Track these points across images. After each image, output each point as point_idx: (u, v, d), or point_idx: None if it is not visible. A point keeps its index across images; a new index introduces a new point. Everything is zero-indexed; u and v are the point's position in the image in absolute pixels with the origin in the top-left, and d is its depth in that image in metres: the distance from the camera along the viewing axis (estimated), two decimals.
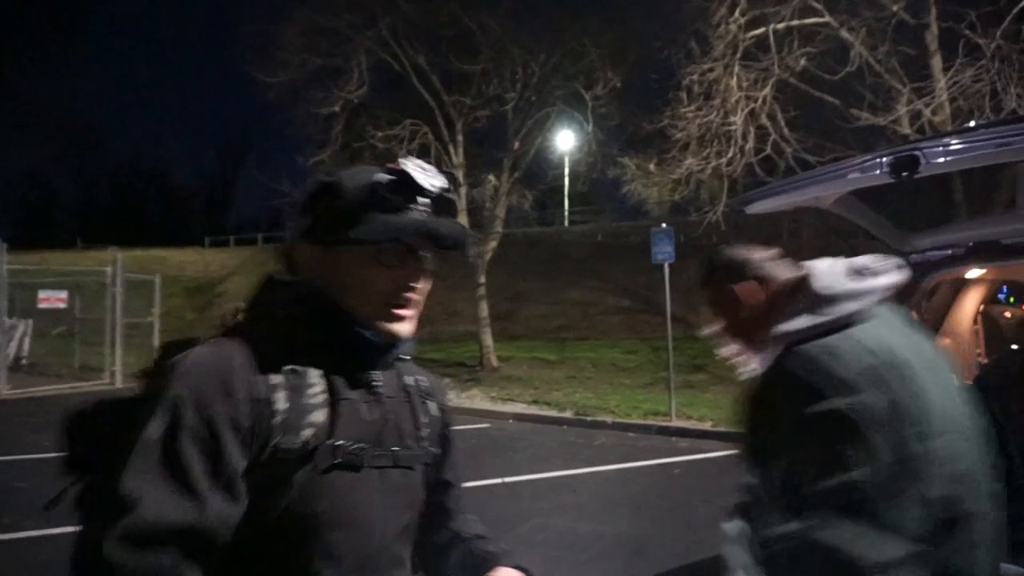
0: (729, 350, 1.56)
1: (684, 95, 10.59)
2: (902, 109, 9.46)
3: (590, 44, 14.01)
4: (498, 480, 6.35)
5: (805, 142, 10.66)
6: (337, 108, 14.12)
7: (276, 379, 0.94)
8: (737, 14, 10.08)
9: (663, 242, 9.29)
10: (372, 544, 1.00)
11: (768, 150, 10.30)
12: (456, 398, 11.85)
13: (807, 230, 16.30)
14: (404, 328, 1.06)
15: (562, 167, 19.75)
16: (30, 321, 14.03)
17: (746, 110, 10.07)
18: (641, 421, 9.43)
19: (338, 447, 0.96)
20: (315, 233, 1.03)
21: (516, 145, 15.28)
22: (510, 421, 10.16)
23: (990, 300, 4.00)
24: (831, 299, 1.37)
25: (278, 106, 14.97)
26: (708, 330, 1.58)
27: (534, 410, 10.60)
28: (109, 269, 13.27)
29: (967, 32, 8.96)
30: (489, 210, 15.81)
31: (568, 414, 10.17)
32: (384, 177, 1.00)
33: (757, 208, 3.35)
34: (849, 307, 1.36)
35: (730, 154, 10.07)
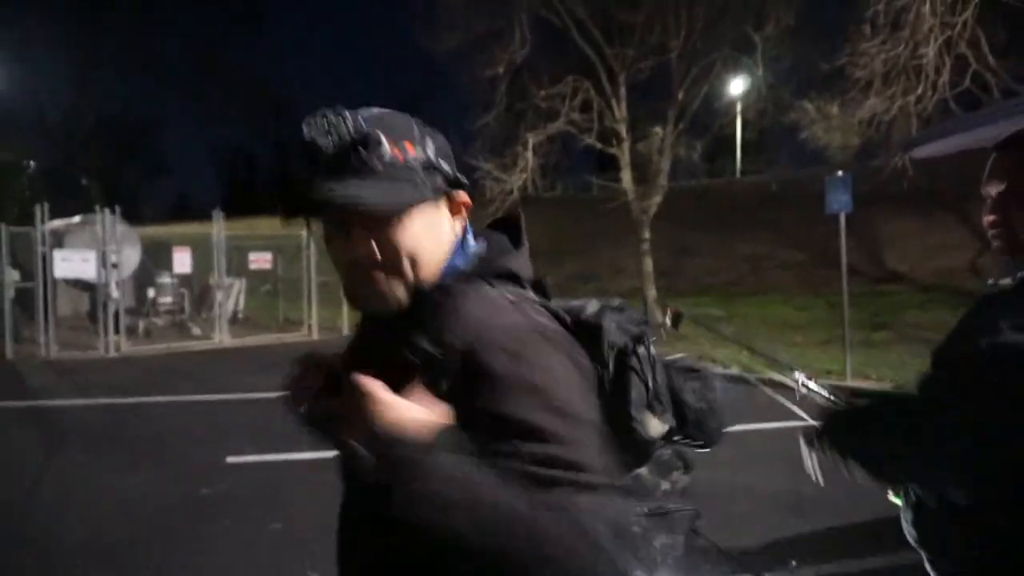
0: (991, 223, 1.38)
1: (867, 28, 9.67)
2: None
3: None
4: None
5: (1019, 70, 9.37)
6: (500, 70, 14.44)
7: None
8: None
9: (838, 190, 8.67)
10: None
11: (966, 83, 9.17)
12: None
13: None
14: (369, 308, 0.98)
15: (732, 115, 18.82)
16: (243, 280, 15.97)
17: (941, 39, 9.00)
18: None
19: None
20: None
21: (681, 95, 14.77)
22: None
23: None
24: None
25: (446, 71, 15.60)
26: (989, 188, 1.39)
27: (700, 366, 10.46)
28: (304, 232, 14.69)
29: None
30: (655, 163, 15.51)
31: (734, 371, 9.94)
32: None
33: (924, 152, 3.11)
34: None
35: (919, 91, 9.09)
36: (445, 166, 0.99)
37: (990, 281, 1.39)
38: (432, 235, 0.96)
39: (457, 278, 0.96)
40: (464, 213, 1.03)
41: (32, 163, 21.62)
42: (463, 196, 1.03)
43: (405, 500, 0.76)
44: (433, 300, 0.93)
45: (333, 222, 0.93)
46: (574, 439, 0.83)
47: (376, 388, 0.81)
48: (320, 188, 0.88)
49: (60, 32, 30.33)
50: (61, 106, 32.34)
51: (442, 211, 0.99)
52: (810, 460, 1.50)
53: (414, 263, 0.94)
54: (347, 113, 0.91)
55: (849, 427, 1.41)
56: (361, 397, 0.81)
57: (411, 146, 0.94)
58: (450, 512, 0.75)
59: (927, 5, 8.97)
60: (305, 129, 0.90)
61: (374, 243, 0.92)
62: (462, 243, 1.02)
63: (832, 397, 1.84)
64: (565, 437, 0.82)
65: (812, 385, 1.93)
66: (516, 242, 1.06)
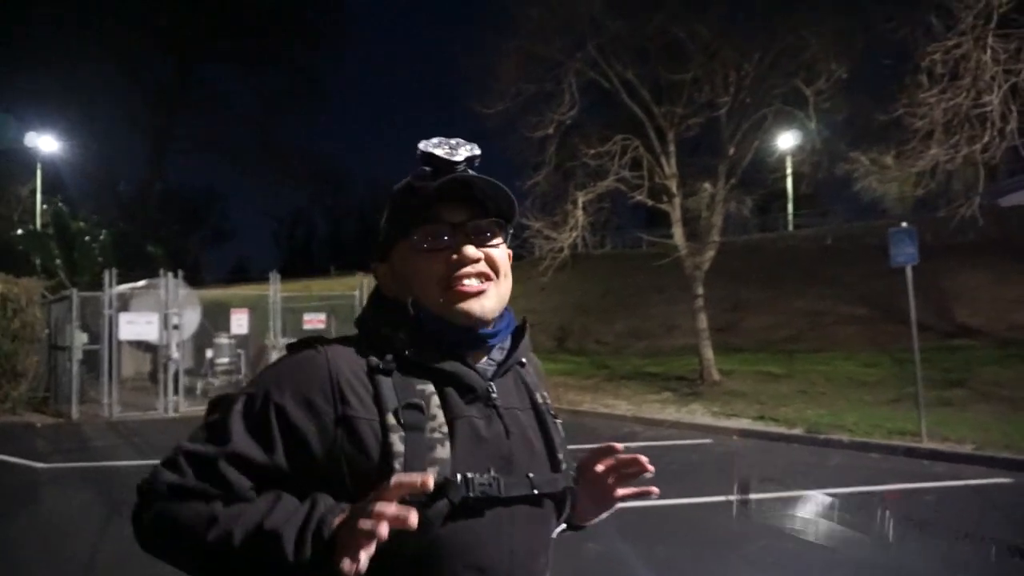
0: None
1: (924, 78, 9.49)
2: None
3: (809, 36, 13.10)
4: (722, 498, 6.15)
5: None
6: (551, 130, 14.65)
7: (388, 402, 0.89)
8: None
9: (903, 242, 8.37)
10: None
11: None
12: (676, 413, 11.64)
13: None
14: (474, 305, 0.96)
15: (783, 169, 18.61)
16: None
17: (1005, 87, 8.76)
18: (884, 441, 8.53)
19: (471, 480, 0.87)
20: (380, 249, 1.04)
21: (731, 150, 14.71)
22: (734, 437, 9.74)
23: None
24: None
25: (496, 134, 15.90)
26: None
27: (760, 426, 10.07)
28: (357, 293, 14.98)
29: None
30: (705, 219, 15.36)
31: (798, 431, 9.52)
32: (418, 171, 0.99)
33: (1015, 199, 2.97)
34: None
35: (985, 139, 8.81)
36: None
37: None
38: None
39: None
40: None
41: (104, 232, 22.73)
42: None
43: None
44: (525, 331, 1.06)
45: (460, 220, 0.98)
46: None
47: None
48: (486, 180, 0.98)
49: (133, 113, 32.62)
50: (132, 179, 34.51)
51: None
52: None
53: (506, 287, 1.02)
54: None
55: None
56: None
57: None
58: None
59: (988, 53, 8.77)
60: (448, 149, 0.99)
61: (495, 254, 1.00)
62: None
63: None
64: None
65: None
66: None
